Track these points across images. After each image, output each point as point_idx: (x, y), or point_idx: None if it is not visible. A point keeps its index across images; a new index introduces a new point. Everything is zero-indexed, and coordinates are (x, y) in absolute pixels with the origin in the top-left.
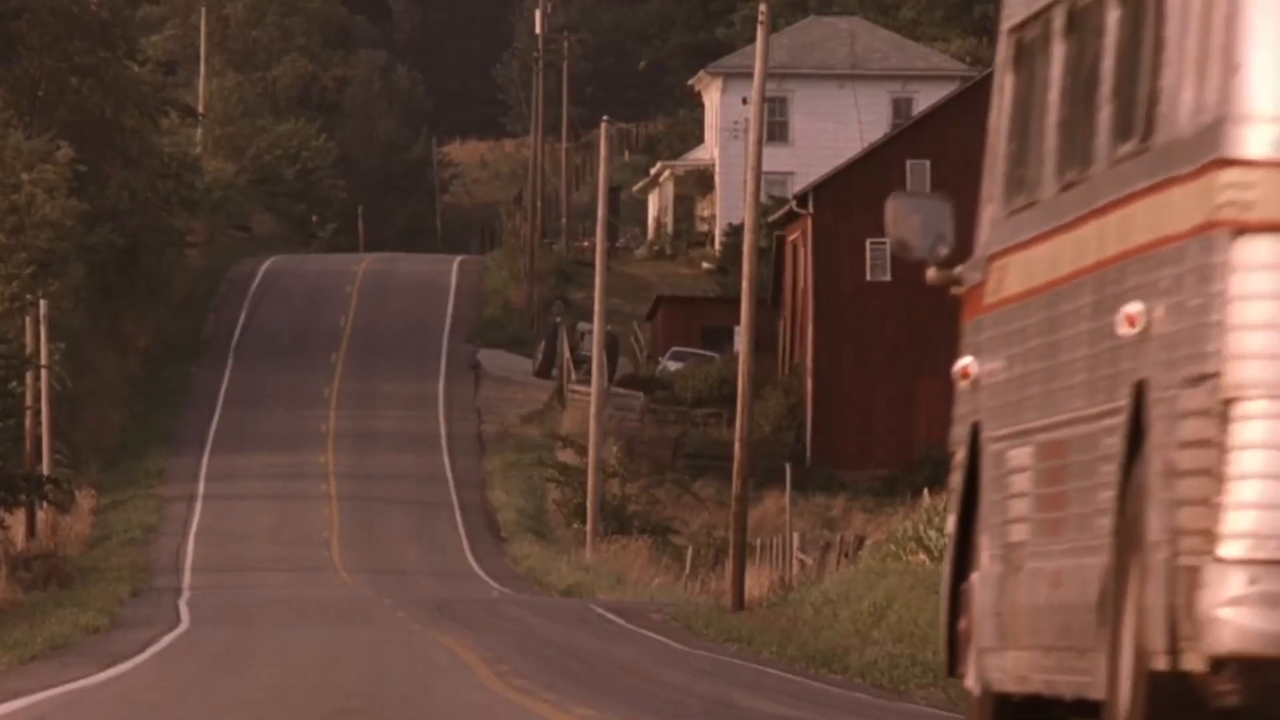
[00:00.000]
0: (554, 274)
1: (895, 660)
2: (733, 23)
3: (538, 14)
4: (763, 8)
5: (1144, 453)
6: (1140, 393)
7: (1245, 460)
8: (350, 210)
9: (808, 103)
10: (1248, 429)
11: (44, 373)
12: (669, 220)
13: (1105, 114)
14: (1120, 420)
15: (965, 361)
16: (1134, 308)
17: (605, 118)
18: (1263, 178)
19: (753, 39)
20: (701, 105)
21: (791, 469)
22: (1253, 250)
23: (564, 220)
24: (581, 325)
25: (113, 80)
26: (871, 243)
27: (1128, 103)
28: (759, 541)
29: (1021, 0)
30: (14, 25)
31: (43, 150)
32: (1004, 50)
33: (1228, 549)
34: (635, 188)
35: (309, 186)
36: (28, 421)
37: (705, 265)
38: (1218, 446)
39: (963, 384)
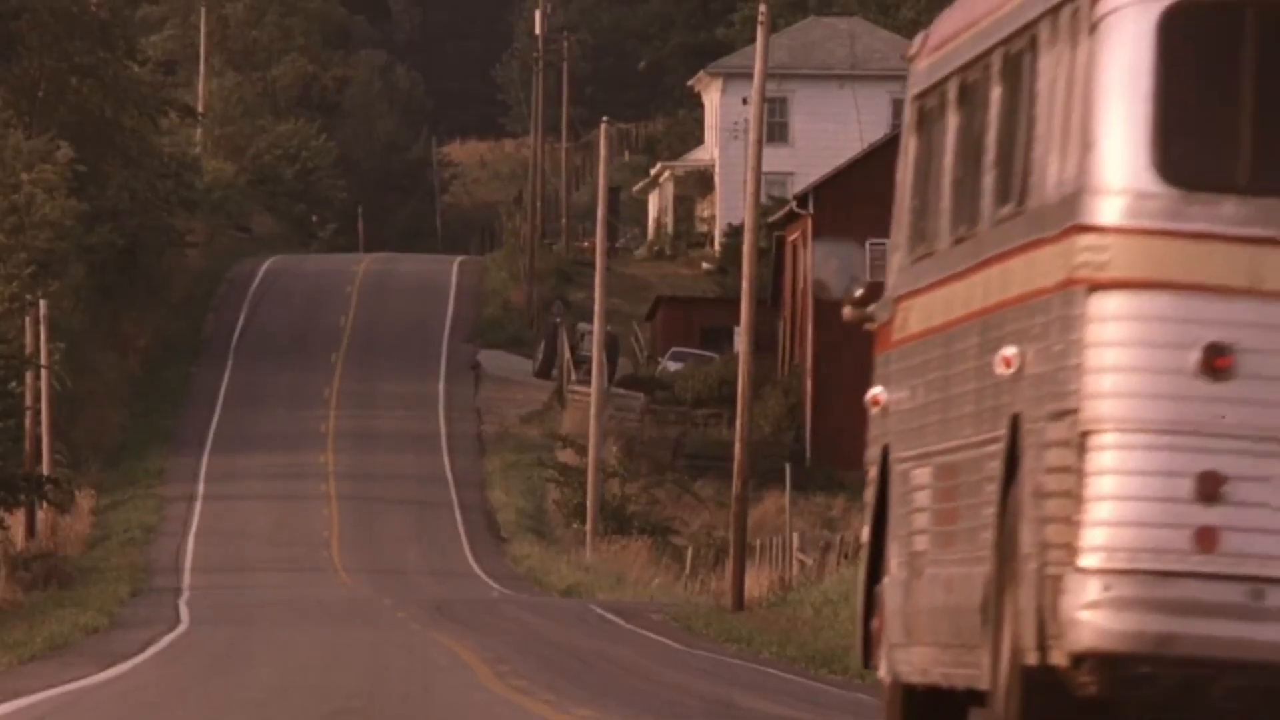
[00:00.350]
0: (554, 274)
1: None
2: (733, 23)
3: (538, 14)
4: (763, 8)
5: (1018, 476)
6: (1015, 424)
7: (1099, 484)
8: (350, 210)
9: (808, 103)
10: (1101, 457)
11: (44, 373)
12: (669, 220)
13: (989, 179)
14: (1000, 447)
15: (876, 390)
16: (1009, 350)
17: (605, 118)
18: (1113, 242)
19: (753, 39)
20: (701, 105)
21: (791, 469)
22: (1105, 304)
23: (564, 220)
24: (581, 325)
25: (113, 80)
26: (871, 243)
27: (1007, 171)
28: (759, 542)
29: (924, 71)
30: (14, 25)
31: (43, 150)
32: (909, 115)
33: (1086, 560)
34: (635, 188)
35: (309, 186)
36: (28, 421)
37: (705, 266)
38: (1077, 472)
39: (874, 410)
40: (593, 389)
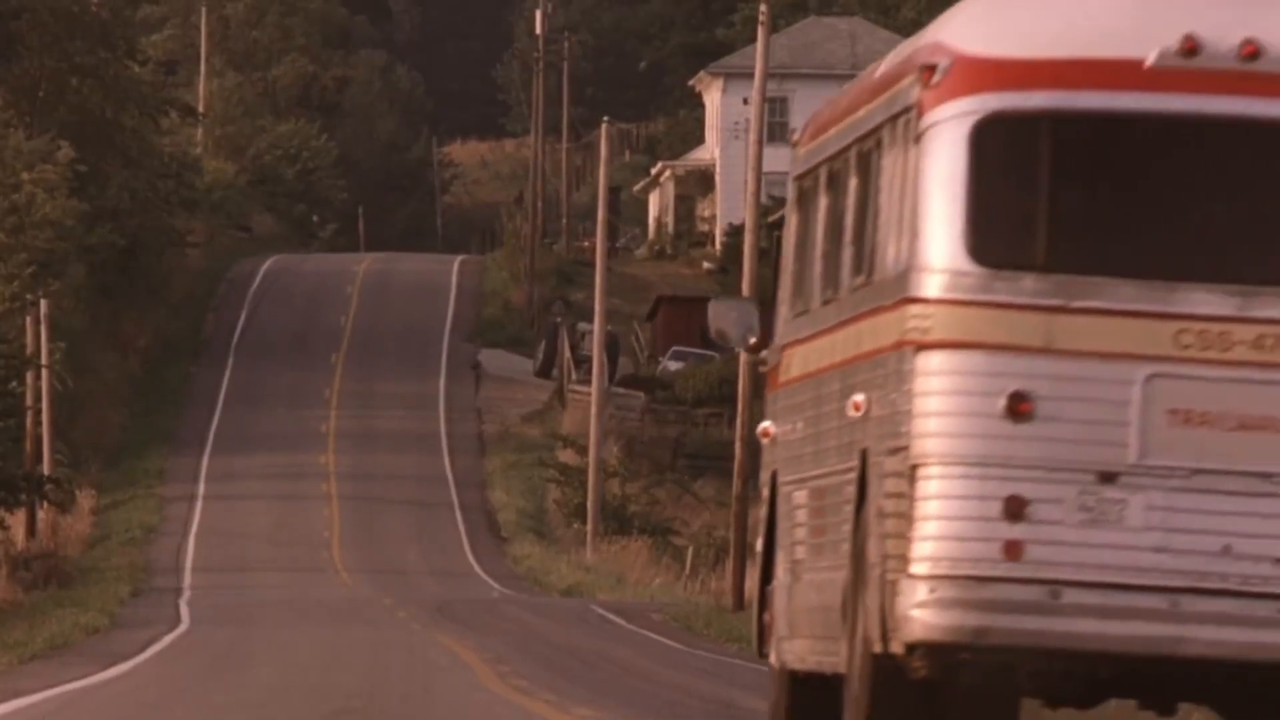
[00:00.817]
0: (554, 274)
1: None
2: (733, 23)
3: (538, 14)
4: (763, 8)
5: (866, 500)
6: (864, 457)
7: (925, 507)
8: (350, 210)
9: (808, 103)
10: (927, 485)
11: (44, 373)
12: (669, 220)
13: (848, 254)
14: (853, 476)
15: (766, 424)
16: (859, 397)
17: (606, 118)
18: (935, 311)
19: (753, 39)
20: (702, 105)
21: None
22: (929, 361)
23: (564, 220)
24: (582, 325)
25: (113, 80)
26: None
27: (859, 248)
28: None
29: (803, 157)
30: (14, 25)
31: (43, 150)
32: (791, 193)
33: (915, 568)
34: (636, 188)
35: (309, 186)
36: (28, 421)
37: (706, 265)
38: (908, 497)
39: (765, 441)
40: (593, 389)
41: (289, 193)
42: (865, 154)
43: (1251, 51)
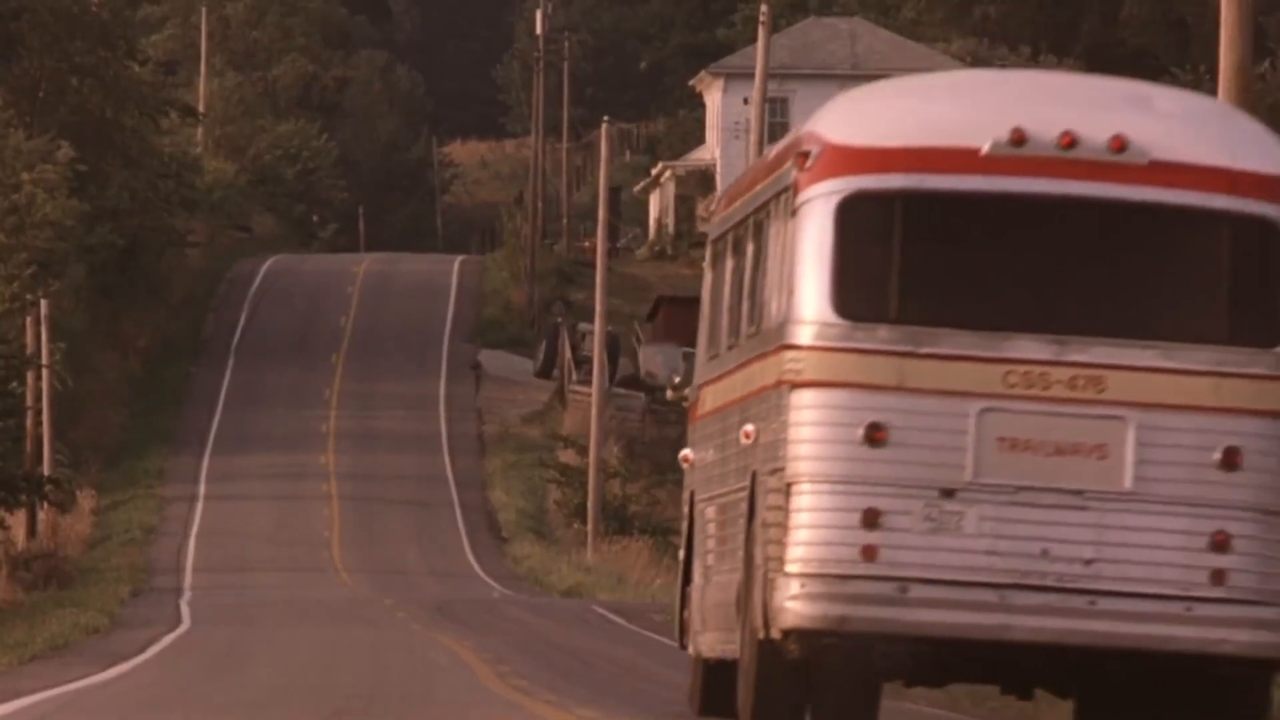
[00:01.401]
0: (555, 274)
1: None
2: (733, 23)
3: (538, 14)
4: (764, 8)
5: (755, 513)
6: (754, 478)
7: (798, 518)
8: (350, 210)
9: (808, 103)
10: (799, 500)
11: (44, 373)
12: (670, 221)
13: (745, 307)
14: (746, 494)
15: (686, 451)
16: (749, 427)
17: (606, 118)
18: (806, 356)
19: (753, 39)
20: (702, 105)
21: None
22: (801, 398)
23: (565, 221)
24: (582, 326)
25: (113, 80)
26: None
27: (753, 303)
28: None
29: (717, 223)
30: (14, 25)
31: (43, 150)
32: (708, 254)
33: (789, 568)
34: (636, 188)
35: (309, 186)
36: (28, 421)
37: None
38: (785, 510)
39: (686, 466)
40: (593, 389)
41: (289, 193)
42: (759, 223)
43: (1069, 141)
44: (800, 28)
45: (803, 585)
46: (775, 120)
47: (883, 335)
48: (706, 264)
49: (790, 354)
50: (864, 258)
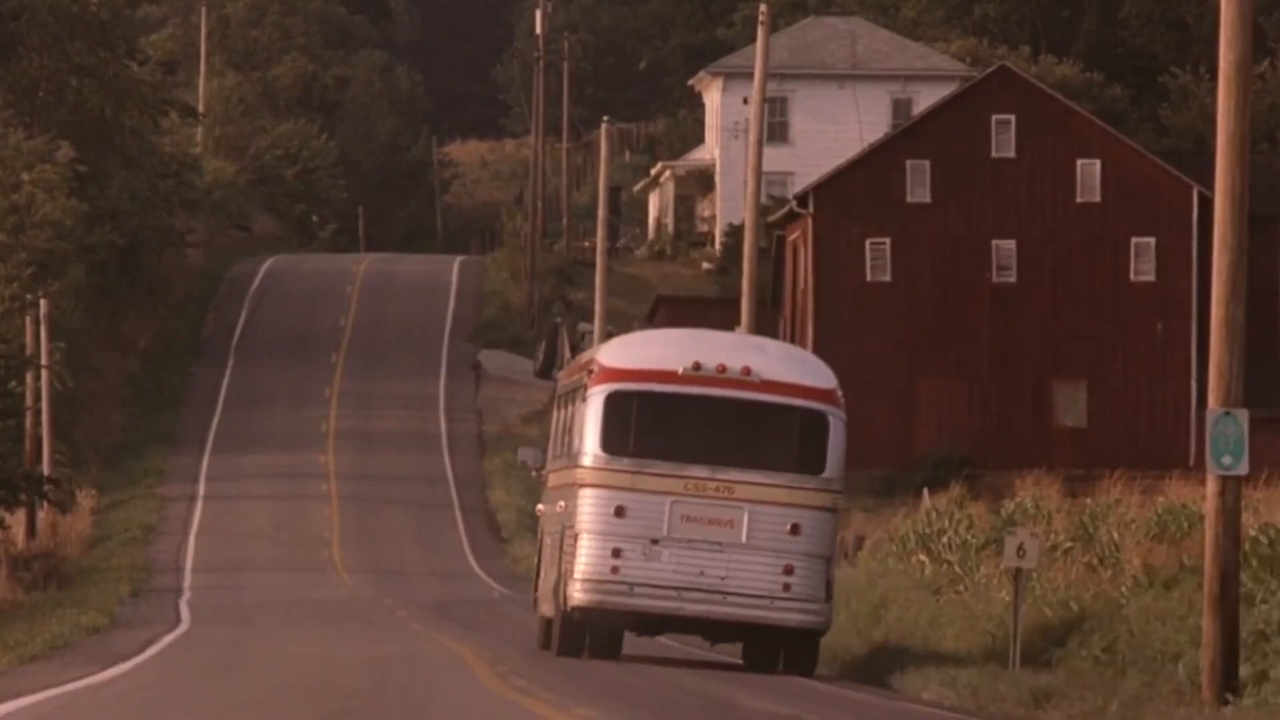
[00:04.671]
0: (554, 274)
1: (895, 660)
2: (733, 23)
3: (538, 14)
4: (763, 8)
5: (564, 547)
6: (563, 530)
7: (579, 551)
8: (350, 210)
9: (808, 103)
10: (581, 542)
11: (44, 373)
12: (669, 220)
13: (565, 440)
14: (559, 536)
15: (540, 506)
16: (562, 502)
17: (606, 118)
18: (588, 471)
19: (753, 39)
20: (702, 105)
21: None
22: (584, 491)
23: (564, 220)
24: (582, 325)
25: (113, 80)
26: (871, 243)
27: (569, 439)
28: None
29: (560, 384)
30: (14, 25)
31: (43, 150)
32: (555, 402)
33: (575, 575)
34: (636, 188)
35: (309, 186)
36: (28, 421)
37: (705, 265)
38: (575, 547)
39: (539, 512)
40: None
41: (289, 193)
42: (573, 395)
43: (722, 369)
44: (800, 28)
45: (581, 585)
46: (775, 120)
47: (625, 462)
48: (554, 406)
49: (580, 469)
50: (617, 424)
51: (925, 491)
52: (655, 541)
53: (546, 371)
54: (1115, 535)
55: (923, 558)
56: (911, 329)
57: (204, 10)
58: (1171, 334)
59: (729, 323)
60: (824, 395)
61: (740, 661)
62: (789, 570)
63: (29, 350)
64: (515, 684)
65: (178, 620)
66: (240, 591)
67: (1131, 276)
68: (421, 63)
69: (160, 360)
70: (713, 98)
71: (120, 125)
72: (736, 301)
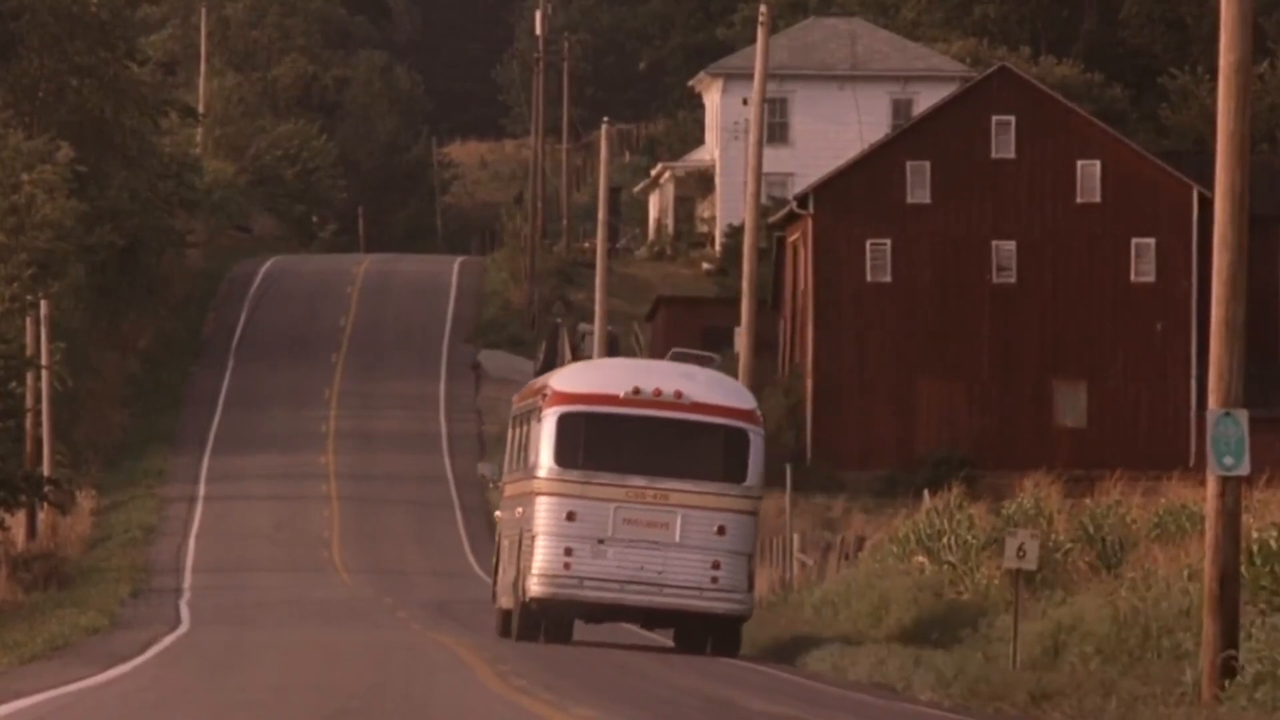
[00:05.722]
0: (554, 275)
1: (894, 660)
2: (733, 23)
3: (538, 14)
4: (763, 9)
5: (522, 546)
6: (521, 533)
7: (536, 549)
8: (350, 210)
9: (808, 103)
10: (537, 543)
11: (44, 373)
12: (669, 221)
13: (522, 455)
14: (519, 537)
15: (498, 512)
16: (520, 509)
17: (606, 118)
18: (543, 481)
19: (753, 40)
20: (702, 106)
21: (791, 469)
22: (540, 499)
23: (564, 221)
24: (582, 326)
25: (113, 80)
26: (871, 243)
27: (525, 454)
28: (759, 542)
29: (515, 406)
30: (14, 25)
31: (43, 150)
32: (511, 422)
33: (533, 570)
34: (636, 189)
35: (309, 186)
36: (28, 422)
37: (705, 266)
38: (532, 547)
39: (497, 517)
40: None
41: (289, 193)
42: (529, 416)
43: (658, 393)
44: (800, 28)
45: (538, 580)
46: (775, 120)
47: (575, 474)
48: (510, 426)
49: (536, 480)
50: (568, 441)
51: (925, 492)
52: (602, 541)
53: (546, 371)
54: (1116, 536)
55: (923, 558)
56: (911, 329)
57: (204, 10)
58: (1171, 334)
59: (729, 322)
60: (745, 415)
61: (671, 644)
62: (716, 565)
63: (29, 350)
64: (515, 684)
65: (178, 621)
66: (240, 592)
67: (1131, 277)
68: (421, 63)
69: (160, 360)
70: (712, 98)
71: (120, 125)
72: (736, 302)
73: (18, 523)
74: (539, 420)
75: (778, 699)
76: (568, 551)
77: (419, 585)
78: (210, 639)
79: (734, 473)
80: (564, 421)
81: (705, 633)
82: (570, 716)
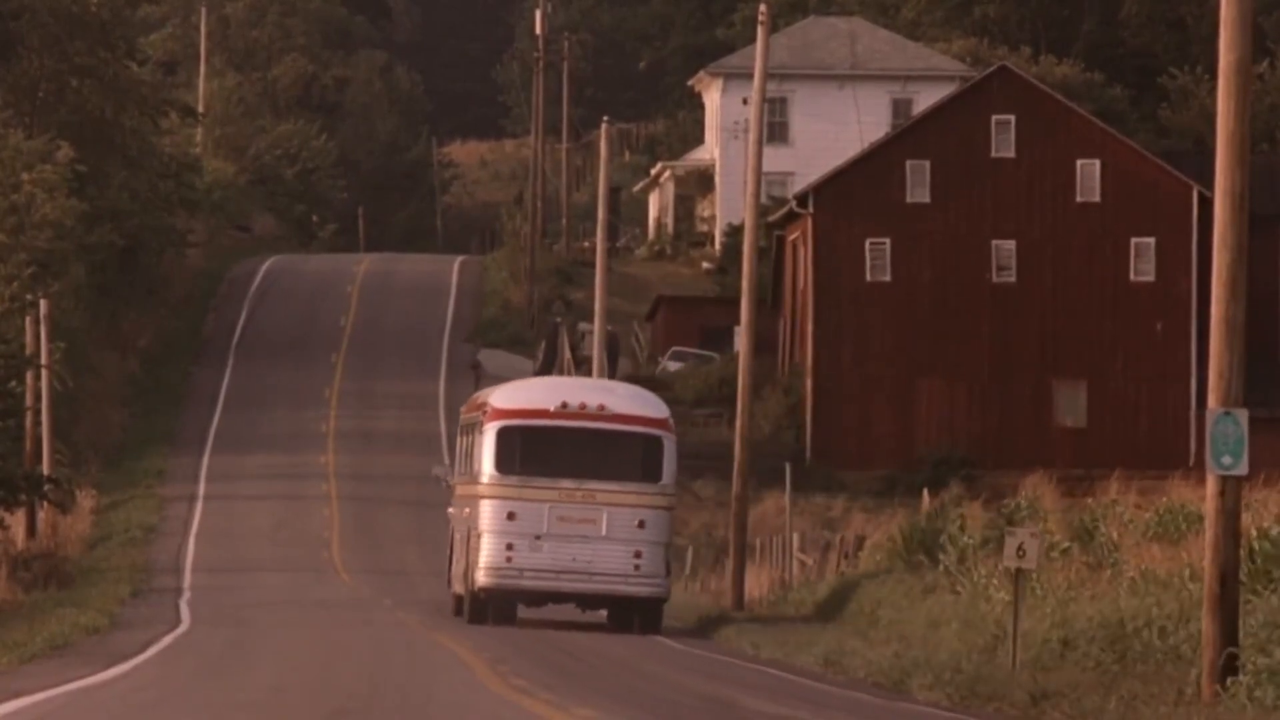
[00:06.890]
0: (554, 274)
1: (895, 660)
2: (733, 23)
3: (538, 14)
4: (763, 8)
5: (470, 542)
6: (470, 530)
7: (482, 545)
8: (350, 210)
9: (808, 103)
10: (482, 540)
11: (44, 373)
12: (669, 220)
13: (467, 462)
14: (467, 534)
15: (451, 510)
16: (467, 509)
17: (606, 118)
18: (485, 488)
19: (753, 39)
20: (702, 106)
21: (791, 469)
22: (483, 503)
23: (564, 220)
24: (582, 325)
25: (113, 80)
26: (871, 243)
27: (470, 462)
28: (759, 541)
29: (462, 418)
30: (14, 25)
31: (43, 150)
32: (460, 431)
33: (480, 564)
34: (636, 188)
35: (309, 186)
36: (28, 421)
37: (705, 265)
38: (478, 543)
39: (450, 515)
40: None
41: (289, 193)
42: (473, 427)
43: (583, 406)
44: (800, 27)
45: (484, 572)
46: (775, 120)
47: (513, 479)
48: (459, 435)
49: (480, 485)
50: (506, 450)
51: (925, 491)
52: (538, 537)
53: (546, 372)
54: (1115, 535)
55: (922, 557)
56: (911, 329)
57: (204, 10)
58: (1171, 334)
59: (729, 322)
60: (659, 423)
61: (605, 620)
62: (638, 555)
63: (29, 350)
64: (515, 684)
65: (178, 621)
66: (240, 592)
67: (1131, 276)
68: (421, 63)
69: (160, 360)
70: (712, 98)
71: (120, 125)
72: (736, 301)
73: (18, 522)
74: (481, 432)
75: (778, 699)
76: (509, 547)
77: (419, 585)
78: (210, 639)
79: (651, 474)
80: (503, 434)
81: (631, 613)
82: (570, 716)
